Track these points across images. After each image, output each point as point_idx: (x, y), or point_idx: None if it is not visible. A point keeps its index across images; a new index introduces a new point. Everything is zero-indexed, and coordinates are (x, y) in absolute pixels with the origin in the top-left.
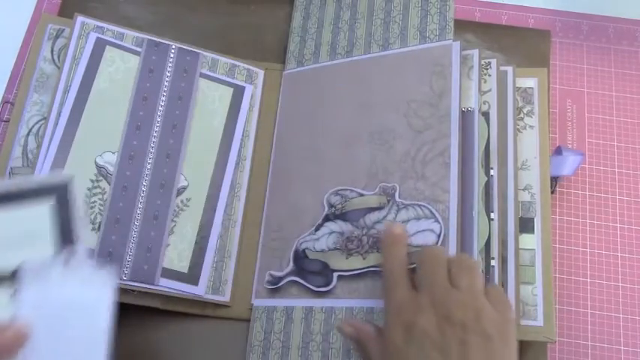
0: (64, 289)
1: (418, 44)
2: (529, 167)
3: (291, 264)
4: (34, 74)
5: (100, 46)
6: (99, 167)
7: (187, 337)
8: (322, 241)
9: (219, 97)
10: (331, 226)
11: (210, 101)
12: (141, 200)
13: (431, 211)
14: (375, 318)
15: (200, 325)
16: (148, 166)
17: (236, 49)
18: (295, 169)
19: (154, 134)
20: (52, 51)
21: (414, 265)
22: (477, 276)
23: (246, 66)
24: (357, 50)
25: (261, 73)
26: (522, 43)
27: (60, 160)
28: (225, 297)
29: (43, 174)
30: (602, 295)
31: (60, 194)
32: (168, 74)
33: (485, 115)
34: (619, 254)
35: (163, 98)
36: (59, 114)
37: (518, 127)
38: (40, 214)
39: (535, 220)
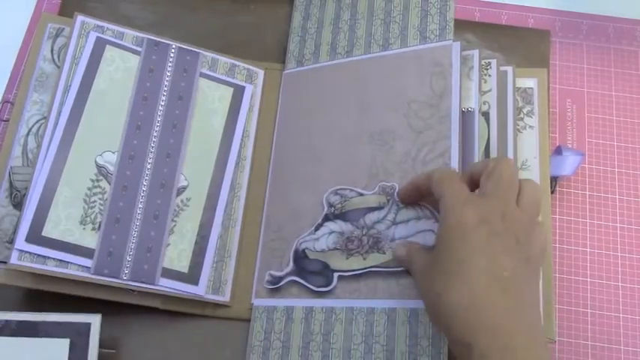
0: None
1: (418, 44)
2: (529, 167)
3: (291, 264)
4: (34, 74)
5: (100, 46)
6: (99, 167)
7: (187, 337)
8: (322, 241)
9: (219, 96)
10: (331, 225)
11: (210, 101)
12: (141, 200)
13: (431, 211)
14: (376, 318)
15: (200, 325)
16: (148, 166)
17: (236, 49)
18: (295, 169)
19: (154, 134)
20: (52, 50)
21: None
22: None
23: (246, 66)
24: (357, 50)
25: (261, 73)
26: (522, 43)
27: (60, 159)
28: (225, 297)
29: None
30: (602, 295)
31: (80, 332)
32: (169, 74)
33: (486, 115)
34: (619, 254)
35: (163, 98)
36: (59, 113)
37: (518, 127)
38: (59, 349)
39: None
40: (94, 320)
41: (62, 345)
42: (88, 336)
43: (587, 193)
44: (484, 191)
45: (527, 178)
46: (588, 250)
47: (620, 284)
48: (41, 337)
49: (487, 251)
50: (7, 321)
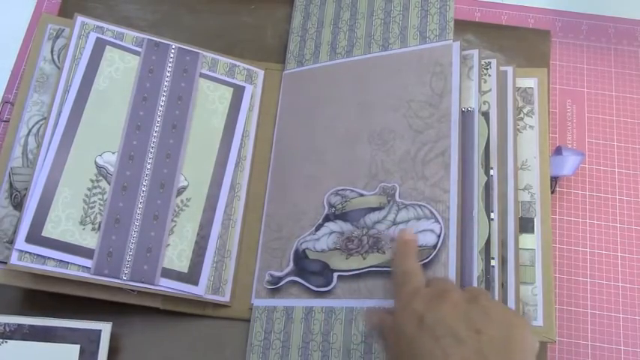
0: None
1: (418, 44)
2: (529, 167)
3: (291, 264)
4: (34, 74)
5: (99, 46)
6: (99, 167)
7: (187, 337)
8: (322, 241)
9: (219, 97)
10: (331, 226)
11: (210, 101)
12: (141, 200)
13: (431, 211)
14: None
15: (200, 325)
16: (148, 166)
17: (236, 49)
18: (295, 169)
19: (154, 134)
20: (52, 51)
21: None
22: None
23: (246, 66)
24: (357, 50)
25: (261, 73)
26: (522, 43)
27: (60, 160)
28: (225, 297)
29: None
30: (602, 295)
31: (91, 339)
32: (168, 74)
33: (485, 115)
34: (619, 254)
35: (163, 98)
36: (59, 114)
37: (518, 127)
38: (69, 354)
39: (535, 220)
40: (105, 327)
41: (72, 351)
42: (99, 343)
43: (587, 193)
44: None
45: (527, 178)
46: (588, 250)
47: (620, 284)
48: (52, 342)
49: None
50: (19, 325)
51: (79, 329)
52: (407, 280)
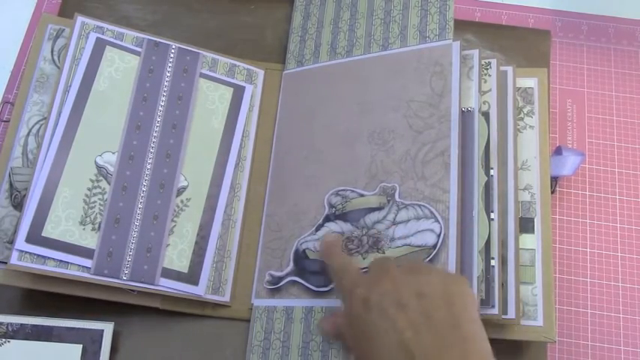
0: None
1: (418, 44)
2: (529, 167)
3: (291, 264)
4: (34, 74)
5: (100, 46)
6: (99, 167)
7: (187, 337)
8: None
9: (219, 97)
10: (331, 226)
11: (210, 101)
12: (141, 200)
13: (431, 211)
14: None
15: (200, 325)
16: (148, 166)
17: (236, 49)
18: (295, 169)
19: (154, 134)
20: (52, 51)
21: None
22: None
23: (246, 66)
24: (357, 50)
25: (261, 73)
26: (522, 43)
27: (60, 160)
28: (225, 297)
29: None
30: (602, 295)
31: (93, 339)
32: (168, 74)
33: (485, 115)
34: (619, 254)
35: (163, 98)
36: (59, 114)
37: (518, 127)
38: (72, 354)
39: (535, 220)
40: (107, 327)
41: (75, 350)
42: (101, 343)
43: (587, 193)
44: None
45: (527, 178)
46: (588, 250)
47: (620, 284)
48: (54, 341)
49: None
50: (22, 325)
51: (82, 329)
52: (343, 274)
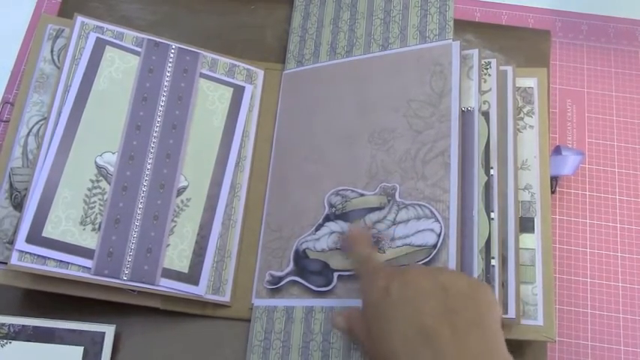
0: None
1: (418, 44)
2: (529, 167)
3: (292, 264)
4: (34, 74)
5: (99, 46)
6: (99, 167)
7: (187, 337)
8: (322, 241)
9: (219, 97)
10: (332, 226)
11: (210, 101)
12: (141, 200)
13: (431, 211)
14: None
15: (200, 325)
16: (148, 167)
17: (236, 49)
18: (295, 169)
19: (154, 134)
20: (51, 51)
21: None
22: None
23: (246, 66)
24: (357, 50)
25: (261, 73)
26: (522, 43)
27: (60, 160)
28: (225, 297)
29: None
30: (602, 295)
31: (95, 341)
32: (168, 74)
33: (485, 114)
34: (619, 254)
35: (163, 98)
36: (59, 114)
37: (518, 126)
38: (73, 356)
39: (535, 219)
40: (109, 330)
41: (76, 352)
42: (102, 345)
43: (587, 193)
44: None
45: (527, 178)
46: (588, 250)
47: (620, 284)
48: (56, 343)
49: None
50: (23, 326)
51: (83, 331)
52: (366, 262)
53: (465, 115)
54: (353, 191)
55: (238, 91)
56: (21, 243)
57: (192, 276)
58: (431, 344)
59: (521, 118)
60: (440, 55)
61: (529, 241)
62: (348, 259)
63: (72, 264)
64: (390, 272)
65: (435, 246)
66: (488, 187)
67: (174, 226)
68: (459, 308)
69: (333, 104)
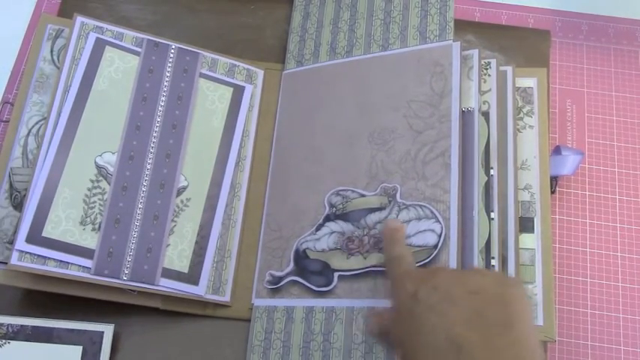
0: None
1: (418, 44)
2: (529, 167)
3: (292, 264)
4: (33, 74)
5: (99, 47)
6: (99, 167)
7: (188, 337)
8: (323, 241)
9: (218, 97)
10: (332, 226)
11: (210, 101)
12: (141, 200)
13: (432, 211)
14: None
15: (200, 325)
16: (148, 167)
17: (236, 49)
18: (295, 169)
19: (154, 134)
20: (51, 51)
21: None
22: None
23: (245, 66)
24: (357, 50)
25: (260, 73)
26: (522, 43)
27: (60, 160)
28: (225, 297)
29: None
30: (602, 295)
31: (93, 341)
32: (168, 74)
33: (485, 115)
34: (619, 254)
35: (163, 98)
36: (59, 114)
37: (518, 126)
38: (72, 356)
39: (535, 219)
40: (107, 329)
41: (75, 352)
42: (101, 344)
43: (587, 193)
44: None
45: (527, 178)
46: (588, 250)
47: (620, 284)
48: (55, 343)
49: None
50: (22, 326)
51: (82, 331)
52: (397, 264)
53: (465, 116)
54: (353, 191)
55: (238, 91)
56: (21, 243)
57: (192, 276)
58: (461, 353)
59: (521, 118)
60: (440, 56)
61: (529, 241)
62: (349, 259)
63: (72, 264)
64: (419, 276)
65: (435, 246)
66: (488, 187)
67: (174, 226)
68: (487, 311)
69: (333, 104)
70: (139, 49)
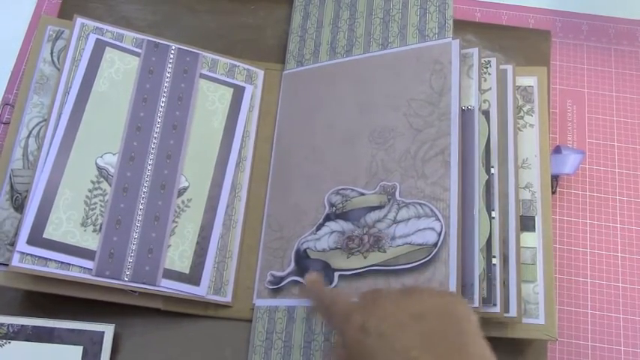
0: None
1: (418, 43)
2: (529, 166)
3: (293, 264)
4: (34, 76)
5: (99, 48)
6: (100, 169)
7: (189, 337)
8: (323, 241)
9: (219, 97)
10: (332, 225)
11: (210, 102)
12: (142, 201)
13: (432, 210)
14: None
15: (202, 326)
16: (149, 167)
17: (236, 49)
18: (295, 168)
19: (155, 135)
20: (51, 52)
21: None
22: None
23: (246, 66)
24: (357, 49)
25: (261, 73)
26: (522, 43)
27: (60, 162)
28: (226, 297)
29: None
30: (602, 295)
31: (94, 341)
32: (168, 75)
33: (486, 113)
34: (619, 254)
35: (163, 99)
36: (59, 115)
37: (518, 125)
38: (72, 356)
39: (536, 218)
40: (108, 329)
41: (75, 352)
42: (101, 344)
43: (587, 193)
44: None
45: (528, 176)
46: (588, 250)
47: (620, 284)
48: (55, 343)
49: None
50: (22, 326)
51: (82, 331)
52: (333, 306)
53: (465, 114)
54: (353, 190)
55: (238, 92)
56: (22, 244)
57: (193, 276)
58: None
59: (522, 117)
60: (440, 54)
61: (530, 239)
62: (349, 259)
63: (73, 265)
64: (362, 307)
65: (435, 244)
66: (488, 185)
67: (175, 226)
68: (439, 332)
69: (333, 104)
70: (139, 50)
